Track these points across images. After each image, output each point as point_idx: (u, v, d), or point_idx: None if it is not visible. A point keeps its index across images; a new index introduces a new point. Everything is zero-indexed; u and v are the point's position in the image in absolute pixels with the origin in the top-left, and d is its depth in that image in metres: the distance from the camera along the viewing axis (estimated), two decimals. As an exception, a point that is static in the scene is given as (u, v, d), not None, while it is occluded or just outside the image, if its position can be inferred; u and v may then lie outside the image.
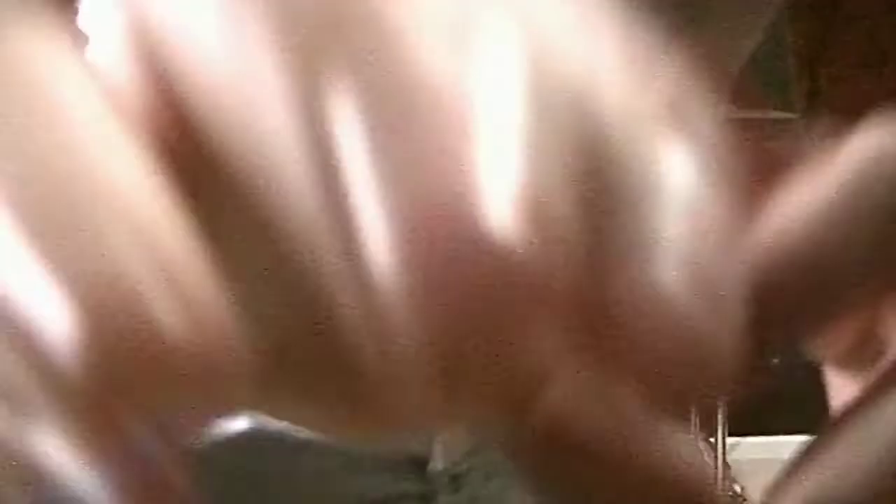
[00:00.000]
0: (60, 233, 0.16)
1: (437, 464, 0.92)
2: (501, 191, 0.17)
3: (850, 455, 0.20)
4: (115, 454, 0.16)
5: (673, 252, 0.17)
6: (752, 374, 0.22)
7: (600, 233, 0.18)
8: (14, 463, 0.16)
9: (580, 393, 0.18)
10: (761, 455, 3.84)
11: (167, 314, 0.16)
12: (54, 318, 0.15)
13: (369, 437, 0.31)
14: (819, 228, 0.20)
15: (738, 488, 2.80)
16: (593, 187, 0.18)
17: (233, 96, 0.17)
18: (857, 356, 0.24)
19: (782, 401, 4.23)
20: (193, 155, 0.18)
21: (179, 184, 0.17)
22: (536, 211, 0.17)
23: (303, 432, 0.66)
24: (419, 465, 0.86)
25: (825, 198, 0.20)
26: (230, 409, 0.22)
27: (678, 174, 0.18)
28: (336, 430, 0.20)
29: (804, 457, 0.23)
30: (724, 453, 2.71)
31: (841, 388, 0.26)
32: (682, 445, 0.25)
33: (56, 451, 0.16)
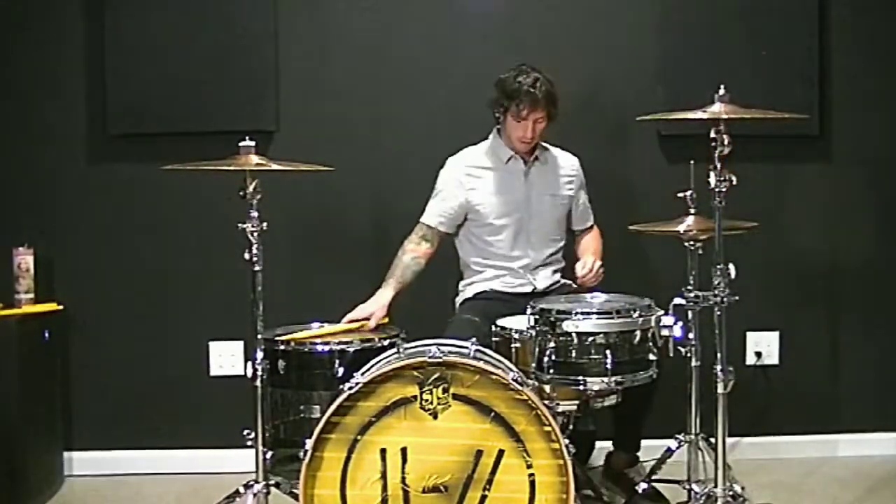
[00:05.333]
0: None
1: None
2: None
3: None
4: None
5: None
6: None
7: None
8: None
9: None
10: (761, 455, 3.85)
11: None
12: None
13: None
14: None
15: (738, 488, 2.80)
16: None
17: None
18: None
19: (782, 401, 4.24)
20: None
21: None
22: None
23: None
24: None
25: None
26: None
27: None
28: None
29: None
30: (724, 453, 2.71)
31: None
32: None
33: None
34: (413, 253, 3.29)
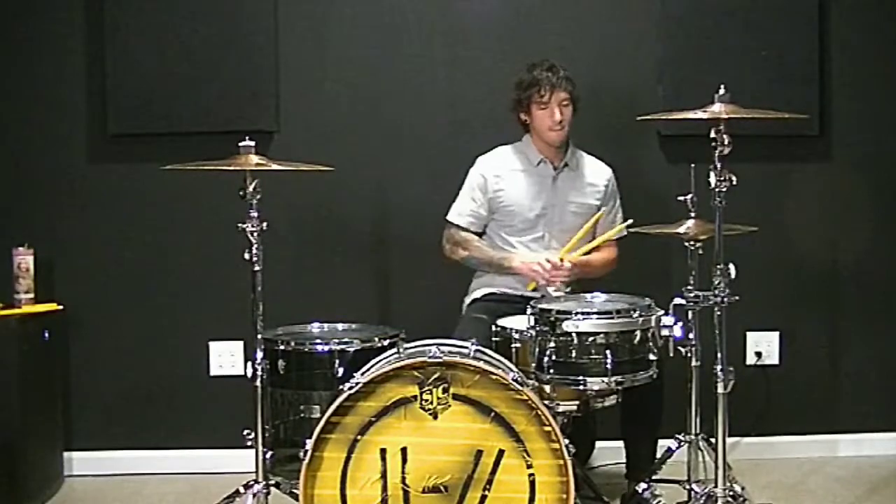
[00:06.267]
0: None
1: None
2: None
3: None
4: None
5: None
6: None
7: None
8: None
9: None
10: (761, 455, 3.85)
11: None
12: None
13: None
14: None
15: (738, 488, 2.80)
16: None
17: None
18: None
19: (782, 401, 4.24)
20: None
21: None
22: None
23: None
24: None
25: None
26: None
27: None
28: None
29: None
30: (724, 453, 2.71)
31: None
32: None
33: None
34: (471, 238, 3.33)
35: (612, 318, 2.73)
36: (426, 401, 2.52)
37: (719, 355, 2.68)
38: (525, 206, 3.30)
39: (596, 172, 3.41)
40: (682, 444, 3.08)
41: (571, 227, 3.31)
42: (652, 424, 3.13)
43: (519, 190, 3.31)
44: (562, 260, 3.17)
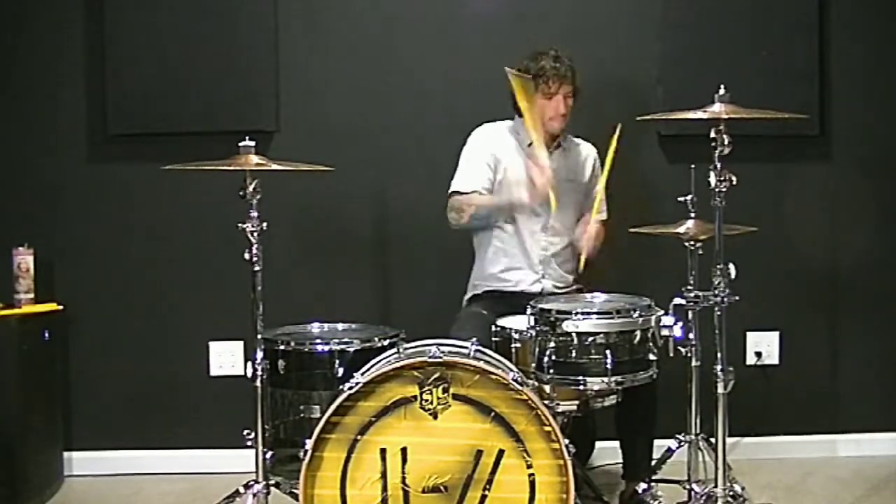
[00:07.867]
0: None
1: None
2: None
3: None
4: None
5: None
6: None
7: None
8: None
9: None
10: (761, 455, 3.85)
11: None
12: None
13: None
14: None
15: (738, 488, 2.80)
16: None
17: None
18: None
19: (782, 401, 4.24)
20: None
21: None
22: None
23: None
24: None
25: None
26: None
27: None
28: None
29: None
30: (724, 453, 2.72)
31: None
32: None
33: None
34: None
35: (612, 318, 2.73)
36: (426, 401, 2.52)
37: (719, 355, 2.68)
38: (519, 187, 3.24)
39: (585, 151, 3.44)
40: (682, 444, 3.09)
41: (568, 207, 3.31)
42: (647, 424, 3.13)
43: (516, 169, 3.28)
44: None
